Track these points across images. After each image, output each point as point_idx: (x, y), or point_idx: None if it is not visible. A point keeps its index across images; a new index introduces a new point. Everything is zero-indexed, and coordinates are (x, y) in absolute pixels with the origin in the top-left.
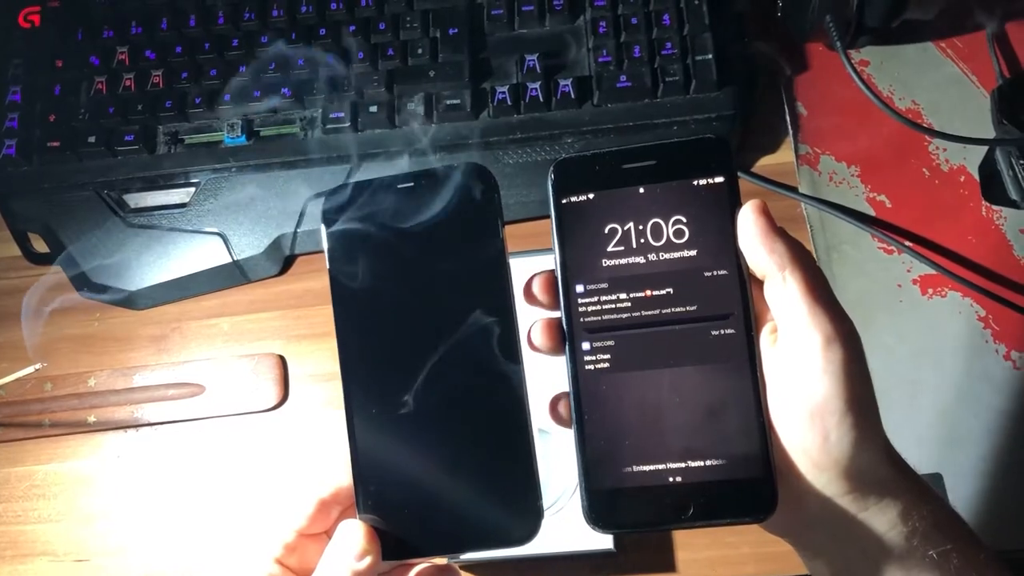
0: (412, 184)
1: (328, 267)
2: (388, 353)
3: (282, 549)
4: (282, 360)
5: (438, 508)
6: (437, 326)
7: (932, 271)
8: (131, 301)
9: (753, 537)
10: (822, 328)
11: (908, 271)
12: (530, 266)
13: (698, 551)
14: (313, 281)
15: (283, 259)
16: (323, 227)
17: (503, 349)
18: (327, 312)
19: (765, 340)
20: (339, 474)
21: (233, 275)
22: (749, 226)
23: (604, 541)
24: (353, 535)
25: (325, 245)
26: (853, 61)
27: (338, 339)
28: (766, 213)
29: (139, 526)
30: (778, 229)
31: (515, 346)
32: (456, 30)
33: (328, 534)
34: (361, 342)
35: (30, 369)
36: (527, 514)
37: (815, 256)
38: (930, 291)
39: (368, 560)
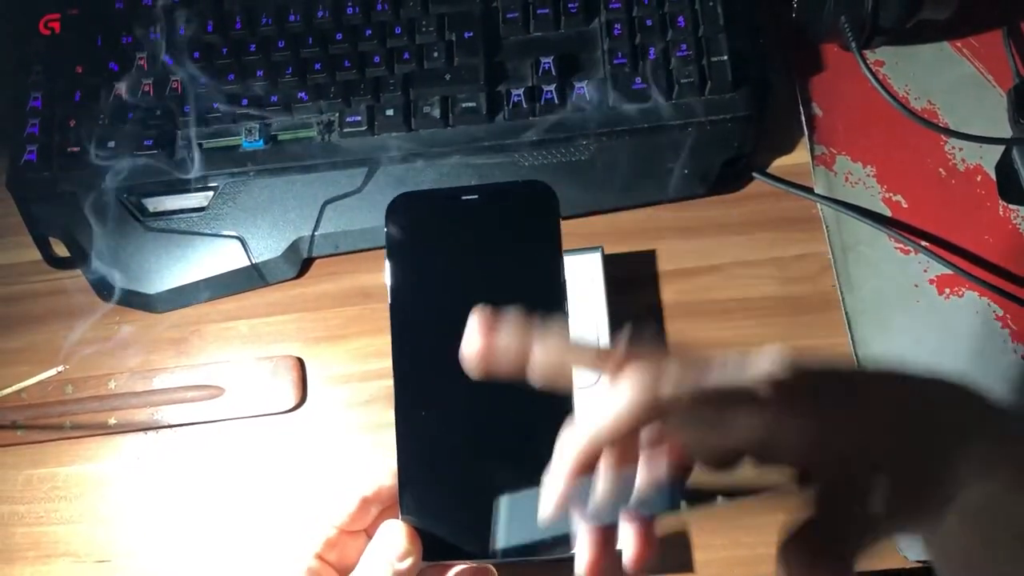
0: (476, 197)
1: (388, 272)
2: (439, 358)
3: (323, 544)
4: (300, 362)
5: (481, 513)
6: None
7: (949, 271)
8: (150, 304)
9: (770, 538)
10: None
11: (925, 271)
12: None
13: (715, 552)
14: (330, 284)
15: (301, 262)
16: (386, 232)
17: None
18: (344, 314)
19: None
20: (382, 473)
21: (251, 278)
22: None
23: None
24: (396, 535)
25: (387, 250)
26: (868, 61)
27: (392, 342)
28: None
29: (160, 527)
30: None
31: None
32: (471, 33)
33: (368, 533)
34: (414, 346)
35: (51, 372)
36: (569, 523)
37: (831, 256)
38: (947, 291)
39: (410, 561)
